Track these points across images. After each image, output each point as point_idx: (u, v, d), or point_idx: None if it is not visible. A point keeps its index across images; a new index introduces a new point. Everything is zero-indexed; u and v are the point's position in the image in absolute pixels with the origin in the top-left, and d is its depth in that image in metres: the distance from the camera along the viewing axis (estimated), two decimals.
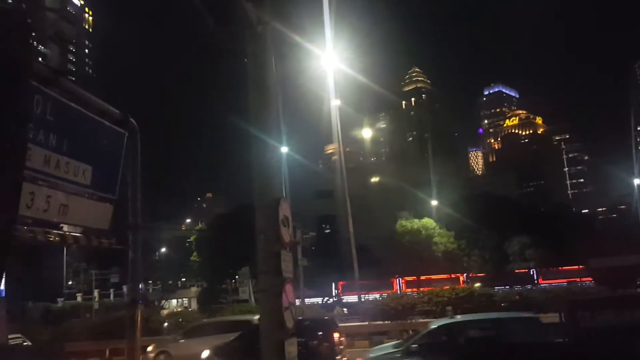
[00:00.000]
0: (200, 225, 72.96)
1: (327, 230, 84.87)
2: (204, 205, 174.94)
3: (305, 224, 46.60)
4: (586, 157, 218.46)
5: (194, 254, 60.66)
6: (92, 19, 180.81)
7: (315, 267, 45.84)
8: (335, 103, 23.67)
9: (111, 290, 55.81)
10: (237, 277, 57.01)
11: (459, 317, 14.42)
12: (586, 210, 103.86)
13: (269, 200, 6.51)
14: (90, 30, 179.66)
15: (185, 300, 65.18)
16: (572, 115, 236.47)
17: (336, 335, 16.54)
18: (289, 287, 6.54)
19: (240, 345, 16.52)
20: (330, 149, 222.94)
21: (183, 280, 78.62)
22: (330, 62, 23.22)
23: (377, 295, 30.69)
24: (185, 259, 67.61)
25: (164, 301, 60.74)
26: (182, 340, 21.29)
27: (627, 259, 9.80)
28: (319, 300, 42.79)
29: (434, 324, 13.73)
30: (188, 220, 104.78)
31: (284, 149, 26.24)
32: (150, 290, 71.78)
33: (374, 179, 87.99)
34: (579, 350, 8.87)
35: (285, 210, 6.69)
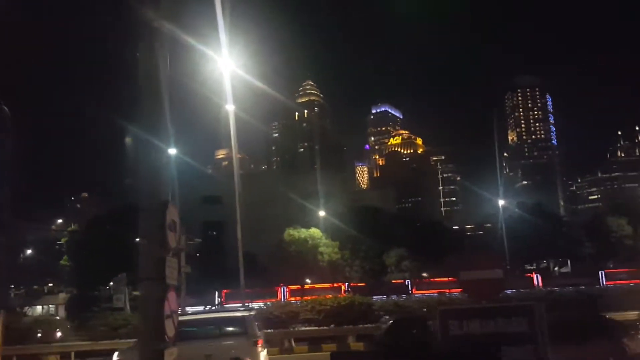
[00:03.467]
0: (73, 226, 67.75)
1: (213, 237, 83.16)
2: (79, 205, 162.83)
3: (190, 229, 45.15)
4: (458, 178, 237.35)
5: (65, 257, 56.10)
6: None
7: (198, 274, 44.61)
8: (231, 108, 23.36)
9: None
10: (111, 283, 53.59)
11: None
12: (456, 227, 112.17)
13: (156, 203, 6.24)
14: None
15: (52, 307, 59.95)
16: (449, 138, 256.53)
17: None
18: (172, 295, 6.32)
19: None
20: (221, 154, 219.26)
21: (50, 286, 72.26)
22: (226, 67, 22.89)
23: (262, 304, 30.54)
24: (54, 262, 62.29)
25: (27, 307, 55.34)
26: None
27: (493, 272, 10.78)
28: (200, 308, 41.58)
29: None
30: (59, 221, 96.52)
31: (173, 151, 25.26)
32: (12, 295, 65.26)
33: (265, 187, 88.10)
34: (450, 357, 9.55)
35: (172, 214, 6.46)
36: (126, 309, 40.13)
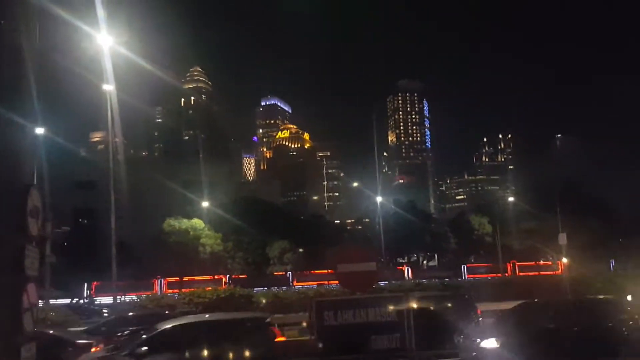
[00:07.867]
0: None
1: (85, 225, 77.70)
2: None
3: (59, 216, 41.79)
4: (342, 174, 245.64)
5: None
6: None
7: (67, 265, 41.47)
8: (109, 88, 21.91)
9: None
10: None
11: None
12: (338, 221, 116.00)
13: (16, 187, 5.72)
14: None
15: None
16: (334, 135, 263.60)
17: None
18: (31, 287, 5.85)
19: None
20: (97, 136, 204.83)
21: None
22: (105, 43, 21.42)
23: (135, 297, 29.21)
24: None
25: None
26: None
27: (367, 265, 11.41)
28: (67, 301, 38.77)
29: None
30: None
31: (40, 130, 23.14)
32: None
33: (145, 174, 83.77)
34: (324, 345, 9.90)
35: (35, 199, 5.97)
36: None
